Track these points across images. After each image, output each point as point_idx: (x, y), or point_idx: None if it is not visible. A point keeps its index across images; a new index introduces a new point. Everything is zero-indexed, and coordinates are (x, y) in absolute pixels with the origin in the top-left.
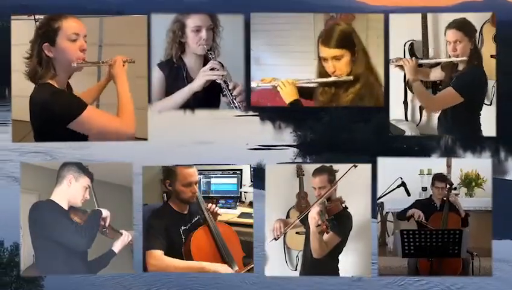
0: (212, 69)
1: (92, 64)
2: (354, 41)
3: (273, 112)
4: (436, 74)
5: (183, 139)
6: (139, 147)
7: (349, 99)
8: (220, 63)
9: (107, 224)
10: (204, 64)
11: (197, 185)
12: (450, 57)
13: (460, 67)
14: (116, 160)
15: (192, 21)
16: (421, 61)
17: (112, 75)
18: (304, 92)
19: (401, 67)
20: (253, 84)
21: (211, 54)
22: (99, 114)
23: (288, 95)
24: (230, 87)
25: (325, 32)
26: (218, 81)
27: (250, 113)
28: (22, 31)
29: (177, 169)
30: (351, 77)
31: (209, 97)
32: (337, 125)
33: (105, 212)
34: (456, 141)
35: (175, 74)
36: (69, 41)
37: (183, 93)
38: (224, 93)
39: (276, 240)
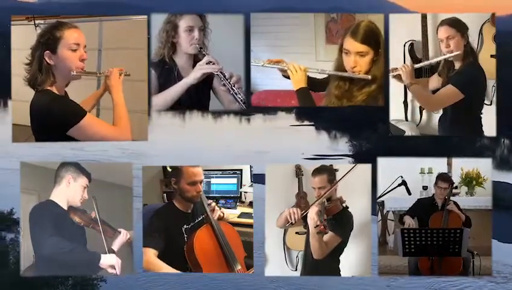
0: (208, 63)
1: (90, 74)
2: (380, 42)
3: (328, 122)
4: (434, 83)
5: (239, 148)
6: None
7: (361, 98)
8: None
9: (118, 272)
10: (194, 64)
11: (202, 184)
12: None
13: (457, 66)
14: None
15: (184, 21)
16: (416, 66)
17: (108, 86)
18: (316, 84)
19: (398, 76)
20: (259, 64)
21: (203, 51)
22: (97, 122)
23: (298, 82)
24: (227, 77)
25: (356, 26)
26: (215, 73)
27: (306, 122)
28: (21, 35)
29: (183, 167)
30: (369, 76)
31: (200, 95)
32: (392, 135)
33: (109, 260)
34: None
35: (166, 74)
36: (69, 50)
37: (178, 87)
38: (223, 82)
39: (292, 224)
